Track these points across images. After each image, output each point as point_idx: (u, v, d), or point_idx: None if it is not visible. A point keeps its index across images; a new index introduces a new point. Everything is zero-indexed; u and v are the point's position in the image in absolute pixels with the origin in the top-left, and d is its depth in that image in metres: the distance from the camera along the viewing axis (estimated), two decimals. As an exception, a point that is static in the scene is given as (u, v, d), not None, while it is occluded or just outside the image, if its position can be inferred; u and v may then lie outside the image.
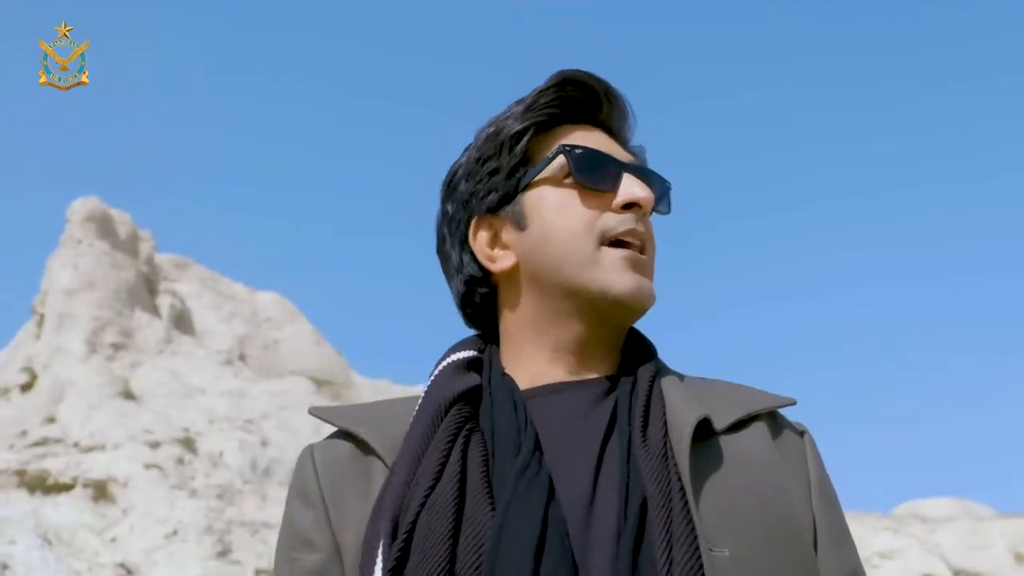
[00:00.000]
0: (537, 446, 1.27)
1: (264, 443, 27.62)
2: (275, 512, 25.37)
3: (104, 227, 29.74)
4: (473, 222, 1.43)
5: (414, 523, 1.20)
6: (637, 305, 1.37)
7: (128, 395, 26.94)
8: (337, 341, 34.18)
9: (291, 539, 1.34)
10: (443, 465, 1.25)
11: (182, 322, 31.26)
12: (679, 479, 1.23)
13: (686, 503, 1.21)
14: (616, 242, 1.37)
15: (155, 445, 24.84)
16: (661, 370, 1.39)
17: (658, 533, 1.18)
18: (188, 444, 25.27)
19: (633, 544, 1.19)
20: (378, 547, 1.21)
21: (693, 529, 1.19)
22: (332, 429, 1.38)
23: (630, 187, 1.37)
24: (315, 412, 1.41)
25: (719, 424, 1.32)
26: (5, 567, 21.99)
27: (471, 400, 1.34)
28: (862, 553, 31.49)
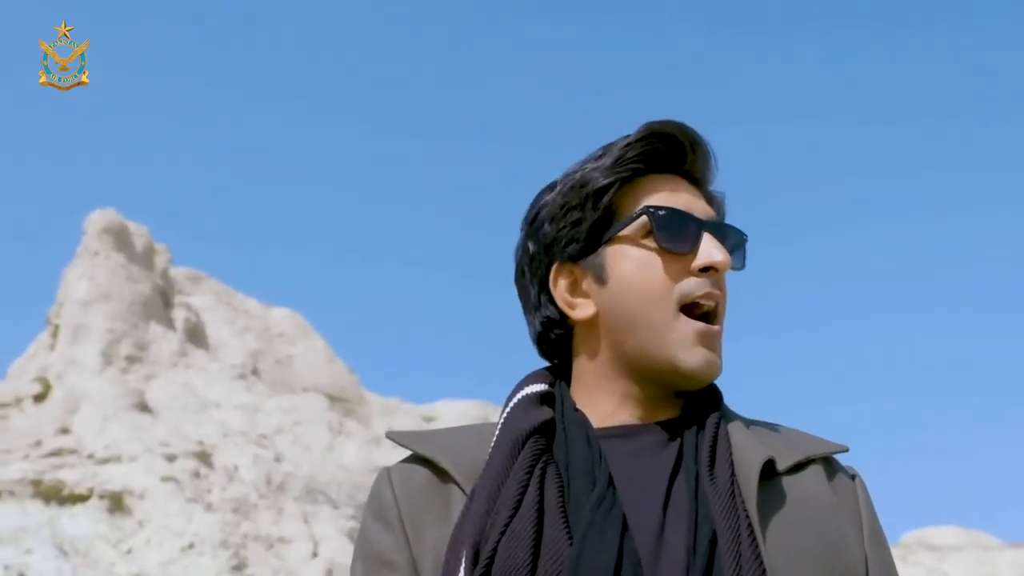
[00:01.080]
0: (610, 481, 1.32)
1: (278, 458, 27.52)
2: (290, 527, 25.28)
3: (121, 239, 29.76)
4: (555, 267, 1.47)
5: (495, 550, 1.24)
6: (704, 379, 1.42)
7: (143, 407, 26.89)
8: (349, 358, 34.06)
9: (371, 560, 1.37)
10: (522, 495, 1.29)
11: (196, 336, 31.25)
12: (747, 516, 1.28)
13: (754, 539, 1.26)
14: (691, 307, 1.41)
15: (171, 458, 24.78)
16: (726, 414, 1.44)
17: (728, 567, 1.23)
18: (204, 458, 25.21)
19: None
20: (459, 571, 1.25)
21: (761, 563, 1.24)
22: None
23: (709, 250, 1.42)
24: (392, 436, 1.44)
25: (781, 465, 1.37)
26: (21, 577, 21.95)
27: (545, 433, 1.38)
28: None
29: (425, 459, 1.39)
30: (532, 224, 1.49)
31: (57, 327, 28.88)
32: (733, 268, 1.45)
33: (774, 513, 1.31)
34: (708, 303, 1.42)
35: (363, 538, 1.39)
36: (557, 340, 1.50)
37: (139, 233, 30.89)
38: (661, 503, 1.32)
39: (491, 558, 1.24)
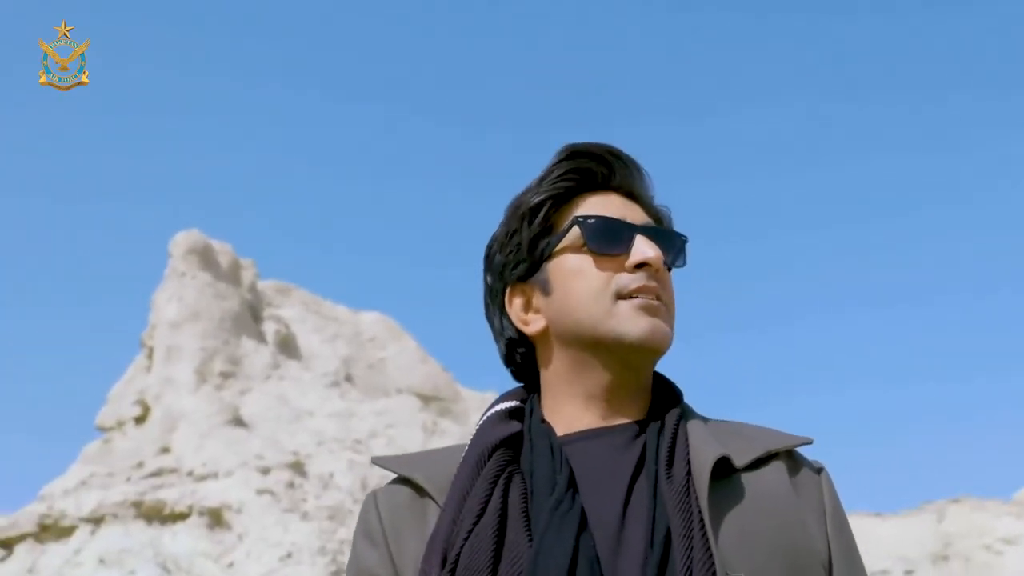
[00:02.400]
0: (571, 484, 1.39)
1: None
2: (387, 530, 25.43)
3: (206, 258, 30.36)
4: (508, 290, 1.55)
5: (459, 555, 1.32)
6: (653, 346, 1.47)
7: (238, 422, 27.42)
8: (443, 356, 34.23)
9: (360, 574, 1.46)
10: (486, 503, 1.37)
11: (287, 347, 31.75)
12: (700, 511, 1.34)
13: (704, 533, 1.32)
14: (628, 298, 1.47)
15: (266, 471, 25.23)
16: (686, 414, 1.50)
17: (680, 559, 1.30)
18: (298, 468, 25.62)
19: (657, 570, 1.30)
20: None
21: (711, 556, 1.30)
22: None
23: (641, 248, 1.48)
24: (377, 461, 1.53)
25: (739, 462, 1.42)
26: (127, 597, 22.56)
27: (513, 445, 1.46)
28: (985, 540, 30.89)
29: (406, 479, 1.48)
30: (487, 258, 1.59)
31: (151, 349, 29.59)
32: (672, 265, 1.52)
33: (729, 508, 1.37)
34: (645, 296, 1.47)
35: (353, 556, 1.49)
36: (523, 360, 1.57)
37: (223, 250, 31.48)
38: (622, 502, 1.38)
39: (455, 563, 1.32)
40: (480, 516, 1.36)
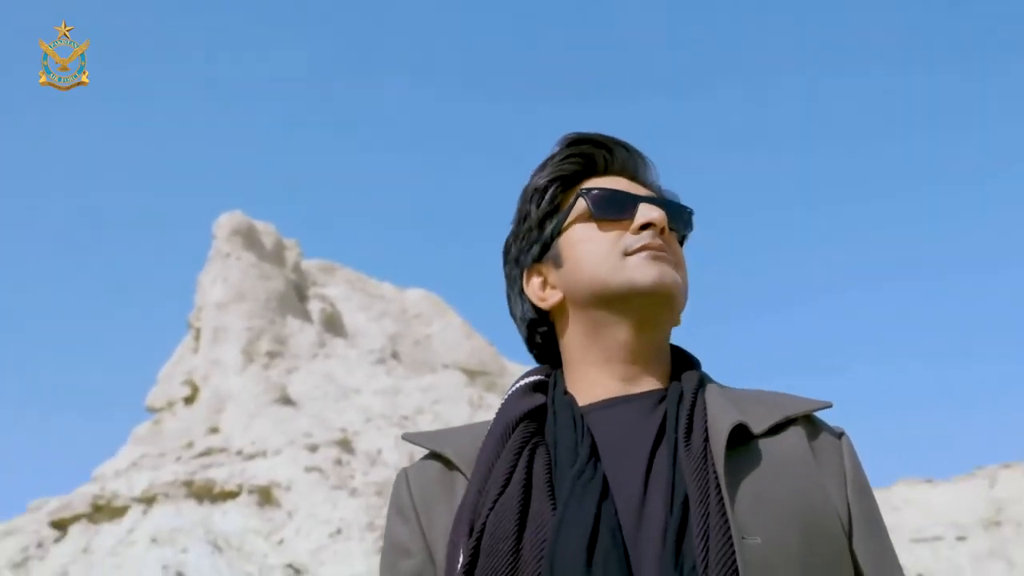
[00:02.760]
0: (593, 453, 1.41)
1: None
2: (436, 505, 25.52)
3: (250, 239, 30.52)
4: (524, 274, 1.58)
5: (484, 524, 1.35)
6: (663, 291, 1.48)
7: (286, 401, 27.59)
8: (488, 331, 34.23)
9: (391, 549, 1.50)
10: (511, 473, 1.39)
11: (333, 325, 31.89)
12: (716, 478, 1.36)
13: (721, 499, 1.34)
14: (637, 253, 1.50)
15: (314, 448, 25.38)
16: (704, 382, 1.52)
17: (697, 525, 1.31)
18: (345, 445, 25.74)
19: (676, 536, 1.32)
20: (460, 547, 1.37)
21: (727, 521, 1.31)
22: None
23: (645, 211, 1.51)
24: (408, 437, 1.56)
25: (757, 428, 1.44)
26: (180, 575, 22.79)
27: (537, 418, 1.48)
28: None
29: (436, 454, 1.51)
30: (504, 254, 1.63)
31: (198, 330, 29.84)
32: (676, 230, 1.55)
33: (746, 474, 1.38)
34: (653, 250, 1.49)
35: (387, 531, 1.53)
36: (544, 340, 1.60)
37: (267, 231, 31.64)
38: (643, 471, 1.40)
39: (481, 532, 1.34)
40: (505, 486, 1.38)
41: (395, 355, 31.92)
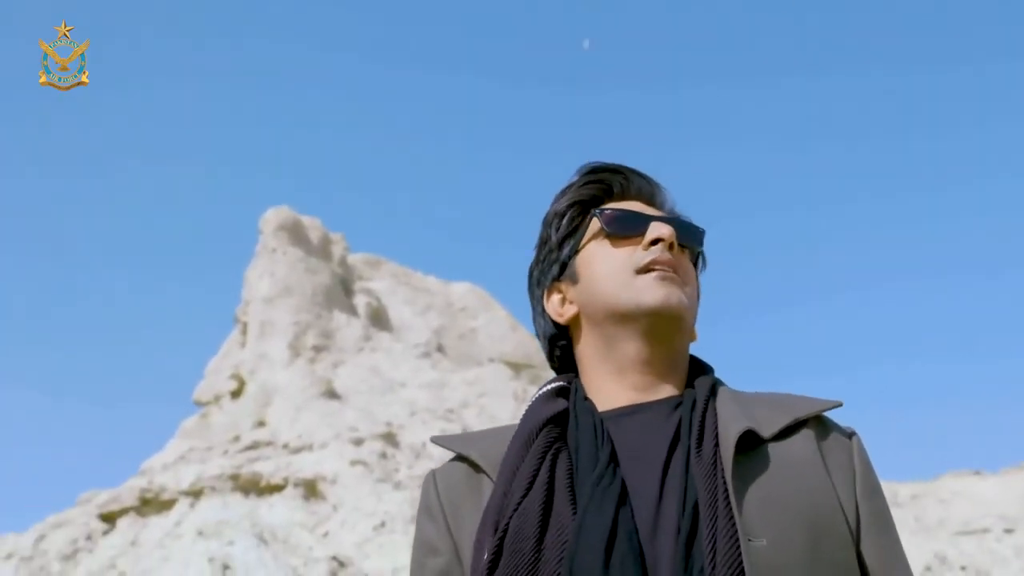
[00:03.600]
0: (613, 459, 1.46)
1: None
2: (480, 498, 25.55)
3: (296, 234, 30.71)
4: (545, 293, 1.66)
5: (508, 524, 1.41)
6: (669, 312, 1.54)
7: (332, 394, 27.75)
8: (533, 325, 34.18)
9: (420, 547, 1.57)
10: (534, 477, 1.45)
11: (379, 319, 32.02)
12: (725, 483, 1.41)
13: (728, 503, 1.39)
14: (647, 271, 1.56)
15: (359, 442, 25.49)
16: (716, 388, 1.57)
17: (705, 528, 1.37)
18: (390, 439, 25.83)
19: (687, 539, 1.37)
20: (485, 547, 1.43)
21: (734, 524, 1.36)
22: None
23: (656, 227, 1.57)
24: (436, 441, 1.64)
25: (766, 433, 1.48)
26: (226, 567, 22.94)
27: (560, 423, 1.54)
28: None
29: (462, 457, 1.58)
30: (529, 277, 1.72)
31: (245, 325, 30.06)
32: (687, 246, 1.62)
33: (754, 478, 1.43)
34: (661, 268, 1.55)
35: (416, 530, 1.60)
36: (563, 354, 1.67)
37: (313, 226, 31.81)
38: (659, 477, 1.45)
39: (504, 532, 1.41)
40: (529, 489, 1.44)
41: (440, 348, 31.97)
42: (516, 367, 31.31)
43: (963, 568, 26.56)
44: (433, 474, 1.61)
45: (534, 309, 1.70)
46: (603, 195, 1.66)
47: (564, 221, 1.64)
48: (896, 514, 28.20)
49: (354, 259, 33.96)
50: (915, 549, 25.99)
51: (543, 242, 1.67)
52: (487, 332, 33.54)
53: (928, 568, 25.57)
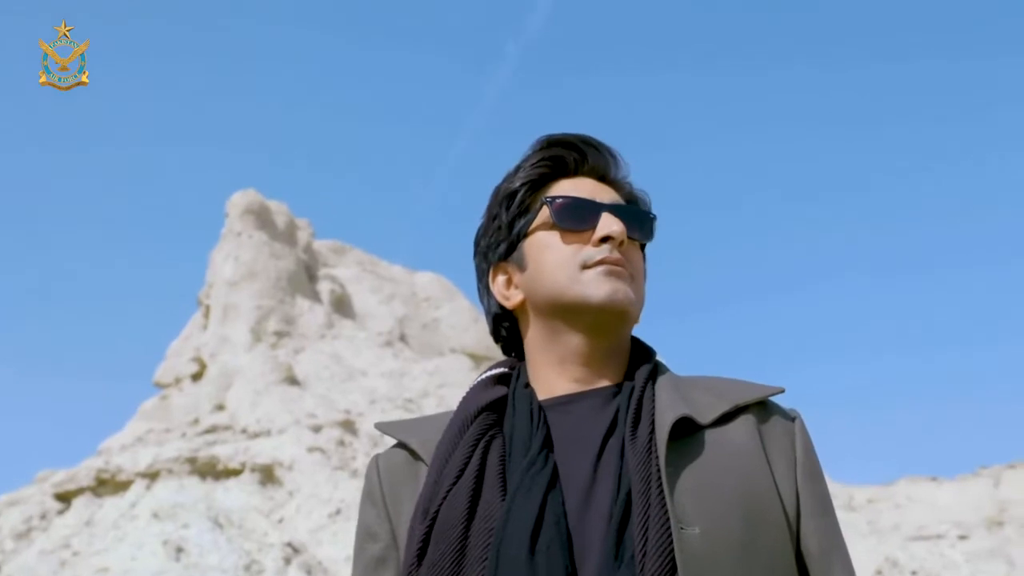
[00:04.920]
0: (546, 445, 1.47)
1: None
2: (437, 489, 25.62)
3: (262, 218, 30.62)
4: (492, 270, 1.64)
5: (436, 513, 1.42)
6: (616, 307, 1.53)
7: (292, 380, 27.74)
8: (496, 317, 34.32)
9: (361, 533, 1.57)
10: (466, 464, 1.46)
11: (342, 306, 31.98)
12: (658, 469, 1.40)
13: (661, 490, 1.37)
14: (595, 267, 1.55)
15: (317, 429, 25.53)
16: (656, 374, 1.56)
17: (637, 516, 1.36)
18: (348, 426, 25.88)
19: (618, 526, 1.37)
20: (416, 535, 1.44)
21: (666, 512, 1.35)
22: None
23: (606, 223, 1.55)
24: (379, 427, 1.63)
25: (704, 419, 1.47)
26: (180, 550, 22.97)
27: (498, 409, 1.55)
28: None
29: (403, 443, 1.58)
30: (476, 244, 1.70)
31: (208, 308, 30.00)
32: (636, 239, 1.60)
33: (689, 464, 1.42)
34: (609, 266, 1.54)
35: (359, 515, 1.59)
36: (509, 334, 1.66)
37: (280, 210, 31.74)
38: (592, 463, 1.45)
39: (434, 519, 1.42)
40: (459, 476, 1.44)
41: (403, 338, 32.01)
42: (477, 358, 31.39)
43: (913, 573, 26.87)
44: (376, 459, 1.61)
45: (479, 280, 1.68)
46: (555, 172, 1.63)
47: (515, 201, 1.62)
48: (850, 518, 28.46)
49: (319, 245, 33.91)
50: (867, 553, 26.28)
51: (492, 217, 1.64)
52: (450, 323, 33.61)
53: (879, 572, 25.86)
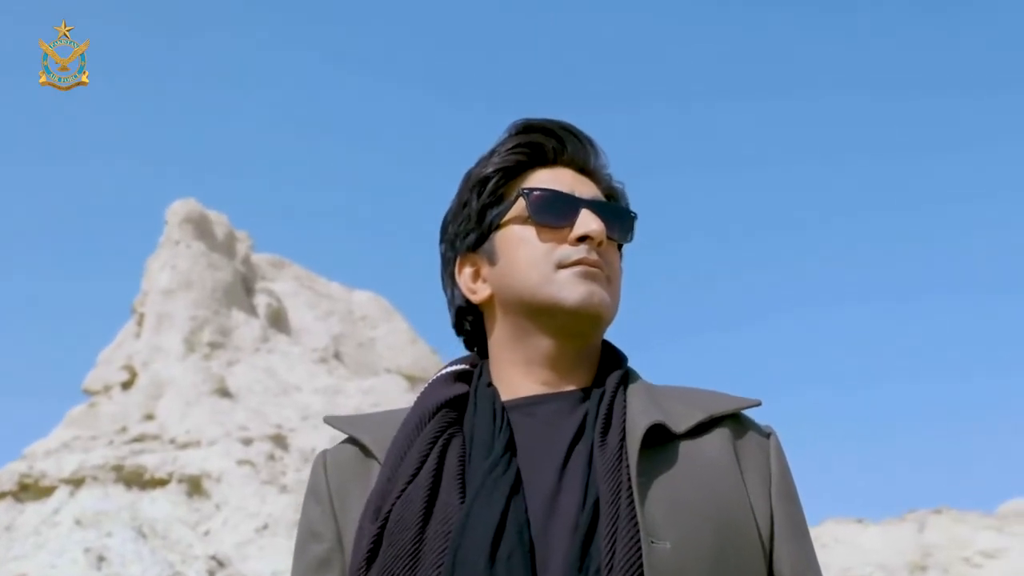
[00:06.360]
0: (509, 448, 1.39)
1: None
2: (366, 507, 25.49)
3: (202, 228, 30.37)
4: (459, 260, 1.57)
5: (389, 513, 1.34)
6: (590, 311, 1.46)
7: (224, 393, 27.46)
8: (433, 339, 34.27)
9: (304, 532, 1.50)
10: (422, 463, 1.38)
11: (278, 321, 31.76)
12: (629, 479, 1.33)
13: (631, 500, 1.31)
14: (571, 267, 1.48)
15: (248, 442, 25.27)
16: (628, 379, 1.50)
17: (605, 527, 1.29)
18: (279, 441, 25.66)
19: (584, 537, 1.30)
20: (365, 535, 1.36)
21: (636, 524, 1.29)
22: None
23: (585, 221, 1.48)
24: (329, 421, 1.56)
25: (677, 428, 1.41)
26: (101, 559, 22.58)
27: (458, 407, 1.48)
28: (964, 552, 30.81)
29: (354, 439, 1.50)
30: (442, 229, 1.61)
31: (142, 316, 29.64)
32: (615, 239, 1.53)
33: (661, 475, 1.36)
34: (586, 267, 1.48)
35: (302, 514, 1.52)
36: (473, 328, 1.59)
37: (219, 221, 31.50)
38: (558, 469, 1.38)
39: (386, 520, 1.34)
40: (415, 475, 1.37)
41: (338, 355, 31.85)
42: (412, 379, 31.30)
43: (833, 615, 27.24)
44: (324, 455, 1.53)
45: (443, 268, 1.60)
46: (532, 160, 1.55)
47: (487, 188, 1.54)
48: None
49: (258, 258, 33.68)
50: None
51: (463, 203, 1.56)
52: (386, 343, 33.50)
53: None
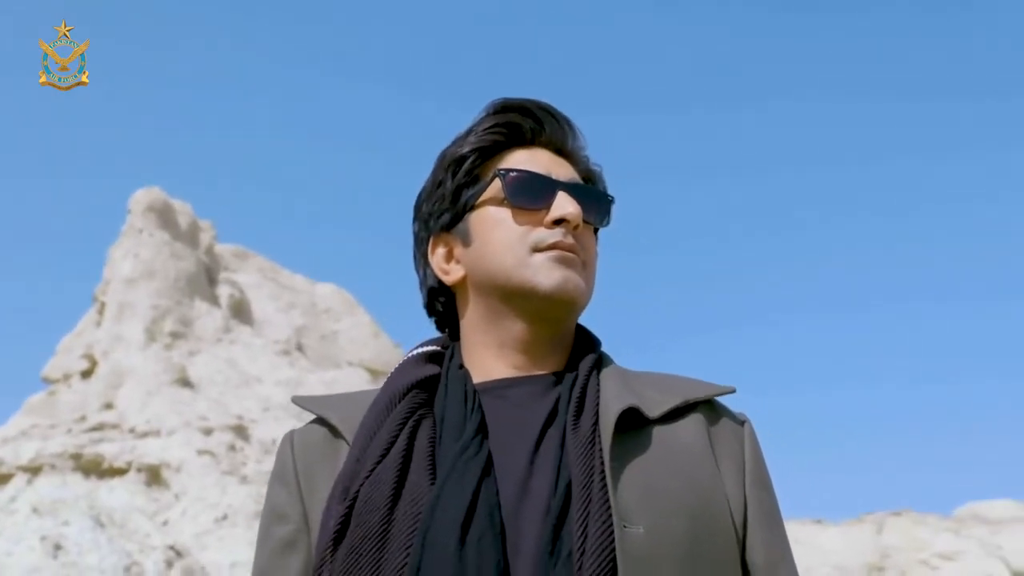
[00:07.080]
0: (481, 430, 1.38)
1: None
2: (326, 500, 25.45)
3: (165, 217, 30.19)
4: (431, 240, 1.55)
5: (357, 494, 1.33)
6: (565, 297, 1.45)
7: (185, 383, 27.33)
8: (395, 332, 34.26)
9: (269, 514, 1.47)
10: (391, 444, 1.37)
11: (241, 312, 31.62)
12: (602, 462, 1.32)
13: (604, 484, 1.30)
14: (546, 251, 1.47)
15: (208, 432, 25.18)
16: (602, 364, 1.49)
17: (577, 511, 1.29)
18: (240, 431, 25.57)
19: (556, 520, 1.29)
20: (332, 516, 1.35)
21: (608, 508, 1.28)
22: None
23: (561, 204, 1.46)
24: (296, 401, 1.54)
25: (652, 413, 1.40)
26: (58, 547, 22.45)
27: (428, 388, 1.47)
28: (922, 555, 31.19)
29: (322, 419, 1.49)
30: (416, 208, 1.59)
31: (103, 304, 29.44)
32: (592, 223, 1.52)
33: (635, 460, 1.35)
34: (561, 252, 1.47)
35: (267, 495, 1.49)
36: (444, 309, 1.58)
37: (183, 211, 31.31)
38: (530, 452, 1.37)
39: (354, 500, 1.32)
40: (384, 456, 1.35)
41: (300, 347, 31.77)
42: (374, 373, 31.28)
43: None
44: (291, 435, 1.52)
45: (416, 248, 1.59)
46: (509, 140, 1.53)
47: (463, 168, 1.52)
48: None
49: (222, 249, 33.50)
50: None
51: (437, 183, 1.54)
52: (349, 336, 33.43)
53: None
